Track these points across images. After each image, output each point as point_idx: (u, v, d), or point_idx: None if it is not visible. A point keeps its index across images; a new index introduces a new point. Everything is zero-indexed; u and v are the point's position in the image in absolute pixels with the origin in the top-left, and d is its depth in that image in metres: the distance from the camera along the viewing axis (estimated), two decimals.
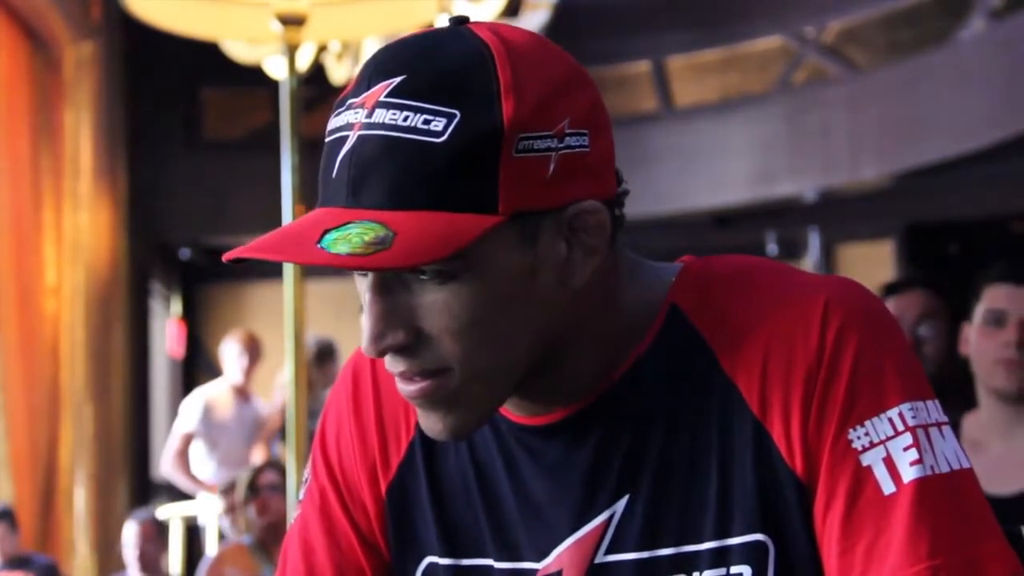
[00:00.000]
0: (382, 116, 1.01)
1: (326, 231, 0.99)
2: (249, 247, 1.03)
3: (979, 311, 2.50)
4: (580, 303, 1.08)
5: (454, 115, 1.00)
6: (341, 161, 1.02)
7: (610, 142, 1.07)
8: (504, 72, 1.01)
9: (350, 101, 1.04)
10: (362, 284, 1.05)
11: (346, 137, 1.02)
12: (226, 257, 1.05)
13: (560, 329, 1.07)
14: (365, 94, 1.03)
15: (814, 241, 10.34)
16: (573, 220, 1.04)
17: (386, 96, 1.01)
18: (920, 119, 8.49)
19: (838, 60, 9.46)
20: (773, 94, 9.58)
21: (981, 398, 2.50)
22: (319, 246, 0.98)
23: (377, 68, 1.04)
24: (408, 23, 3.47)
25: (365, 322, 1.03)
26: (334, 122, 1.04)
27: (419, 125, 1.00)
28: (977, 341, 2.48)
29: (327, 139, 1.04)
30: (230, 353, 6.84)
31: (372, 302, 1.03)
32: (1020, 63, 7.87)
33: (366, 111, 1.02)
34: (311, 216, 1.02)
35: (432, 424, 1.07)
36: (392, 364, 1.05)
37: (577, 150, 1.03)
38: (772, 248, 10.26)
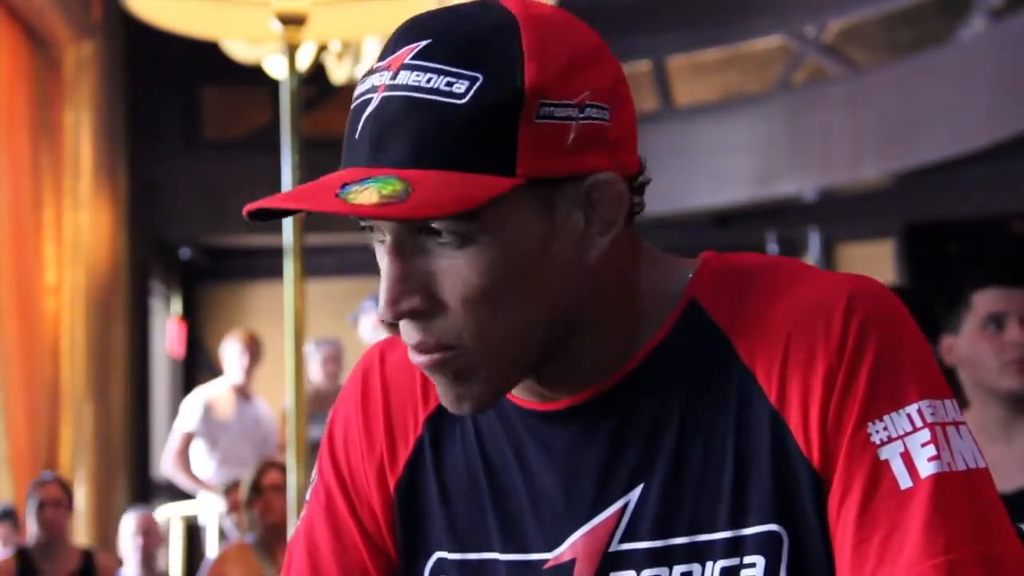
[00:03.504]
0: (406, 78, 1.02)
1: (345, 184, 1.01)
2: (269, 199, 1.03)
3: (972, 319, 2.46)
4: (598, 283, 1.08)
5: (476, 78, 1.01)
6: (365, 122, 1.03)
7: (632, 118, 1.08)
8: (528, 38, 1.03)
9: (376, 65, 1.06)
10: (379, 252, 1.06)
11: (371, 99, 1.04)
12: (247, 209, 1.04)
13: (576, 308, 1.07)
14: (390, 57, 1.04)
15: (814, 241, 10.34)
16: (590, 191, 1.05)
17: (411, 59, 1.03)
18: (920, 119, 8.50)
19: (838, 60, 9.46)
20: (773, 94, 9.58)
21: (975, 402, 2.48)
22: (337, 197, 1.00)
23: (404, 33, 1.06)
24: None
25: (382, 286, 1.04)
26: (359, 88, 1.06)
27: (441, 87, 1.01)
28: (975, 347, 2.44)
29: (353, 104, 1.06)
30: (231, 353, 6.84)
31: (390, 265, 1.04)
32: (1020, 63, 7.88)
33: (391, 73, 1.03)
34: (334, 174, 1.04)
35: (449, 396, 1.07)
36: (407, 334, 1.06)
37: (597, 122, 1.04)
38: (772, 248, 10.27)
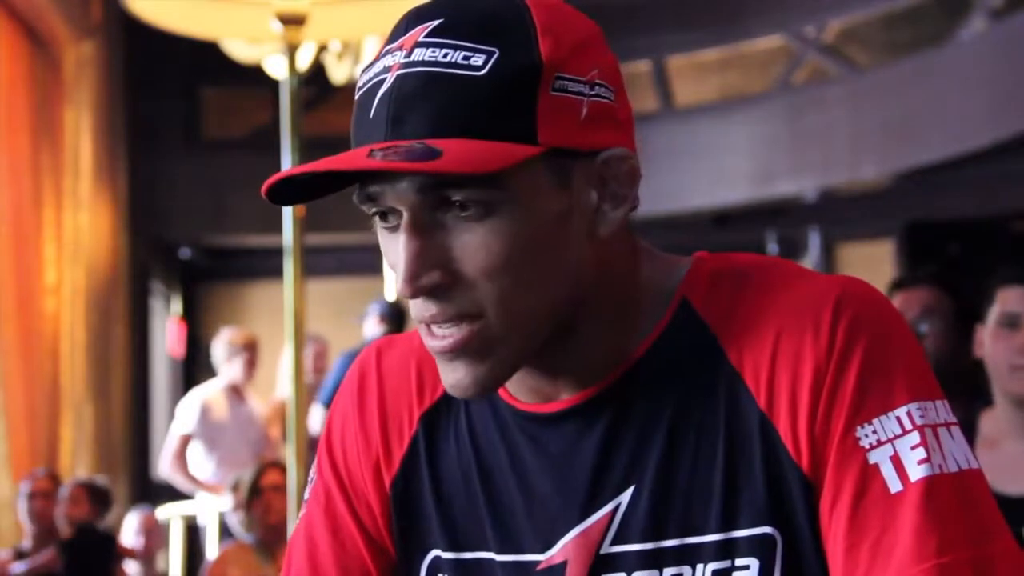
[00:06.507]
0: (421, 55, 1.03)
1: (373, 150, 1.01)
2: (292, 169, 1.03)
3: (992, 314, 2.46)
4: (605, 265, 1.09)
5: (493, 52, 1.02)
6: (380, 100, 1.03)
7: (629, 105, 1.10)
8: (539, 16, 1.05)
9: (386, 48, 1.06)
10: (389, 239, 1.06)
11: (383, 79, 1.04)
12: (268, 183, 1.04)
13: (585, 289, 1.08)
14: (402, 38, 1.05)
15: (814, 241, 10.34)
16: (603, 167, 1.07)
17: (425, 36, 1.04)
18: (920, 119, 8.50)
19: (838, 60, 9.46)
20: (773, 94, 9.58)
21: (996, 399, 2.48)
22: (369, 157, 1.00)
23: (413, 16, 1.06)
24: None
25: (400, 263, 1.04)
26: (367, 74, 1.06)
27: (459, 60, 1.02)
28: (991, 344, 2.44)
29: (361, 91, 1.06)
30: (226, 352, 6.82)
31: (408, 241, 1.03)
32: (1020, 63, 7.88)
33: (404, 52, 1.04)
34: (351, 151, 1.04)
35: (458, 378, 1.06)
36: (423, 308, 1.05)
37: (605, 101, 1.06)
38: (772, 248, 10.27)
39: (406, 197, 1.03)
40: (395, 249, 1.05)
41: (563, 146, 1.04)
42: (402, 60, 1.03)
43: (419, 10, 1.06)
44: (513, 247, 1.03)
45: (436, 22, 1.04)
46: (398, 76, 1.03)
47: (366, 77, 1.06)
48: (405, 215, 1.04)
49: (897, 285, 3.18)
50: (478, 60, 1.02)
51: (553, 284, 1.06)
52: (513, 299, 1.04)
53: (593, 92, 1.05)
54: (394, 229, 1.05)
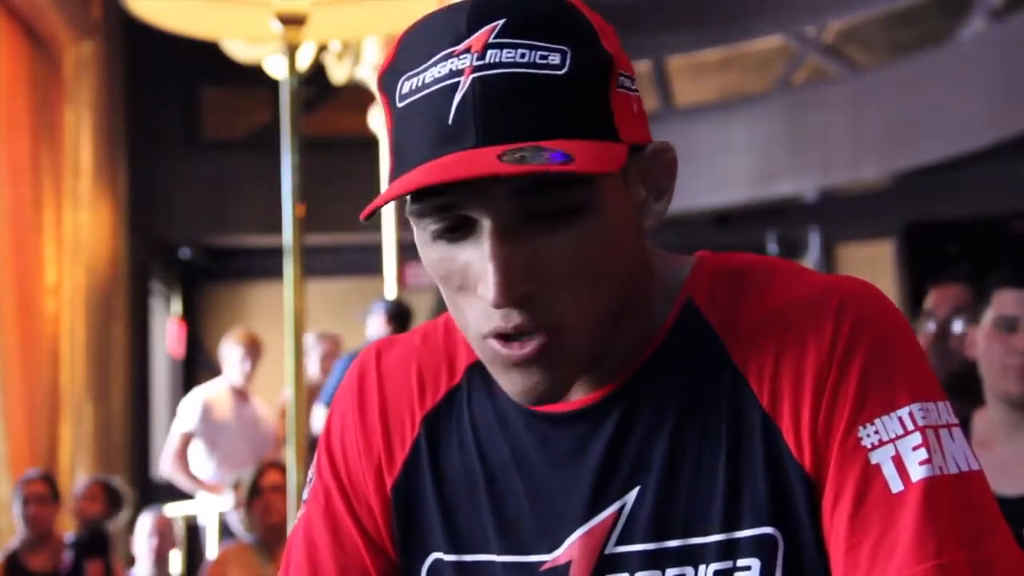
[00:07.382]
0: (496, 56, 1.01)
1: (501, 154, 0.98)
2: (407, 183, 0.99)
3: (988, 315, 2.46)
4: (636, 263, 1.09)
5: (565, 50, 1.01)
6: (460, 105, 1.00)
7: None
8: (592, 17, 1.05)
9: (441, 52, 1.03)
10: (449, 250, 1.04)
11: (457, 84, 1.01)
12: (383, 200, 1.00)
13: (628, 285, 1.08)
14: (467, 41, 1.02)
15: (814, 241, 10.35)
16: (648, 160, 1.07)
17: (495, 37, 1.01)
18: (920, 119, 8.50)
19: (838, 60, 9.47)
20: (773, 94, 9.59)
21: (988, 400, 2.48)
22: (503, 161, 0.97)
23: (472, 16, 1.03)
24: (408, 23, 3.46)
25: (489, 274, 1.01)
26: (418, 78, 1.03)
27: (537, 60, 1.01)
28: (986, 346, 2.45)
29: (417, 96, 1.02)
30: (230, 354, 6.84)
31: (498, 250, 1.01)
32: (1020, 63, 7.88)
33: (475, 54, 1.01)
34: (450, 157, 1.00)
35: (534, 383, 1.05)
36: (507, 319, 1.03)
37: (639, 95, 1.08)
38: (772, 248, 10.28)
39: (495, 204, 1.00)
40: (455, 258, 1.03)
41: (635, 142, 1.04)
42: (475, 63, 1.00)
43: (475, 11, 1.03)
44: (597, 247, 1.03)
45: (501, 22, 1.02)
46: (476, 80, 1.00)
47: (421, 80, 1.02)
48: (489, 224, 1.01)
49: (931, 283, 3.18)
50: (555, 59, 1.00)
51: (617, 282, 1.06)
52: (590, 302, 1.04)
53: (634, 87, 1.06)
54: (458, 239, 1.03)
